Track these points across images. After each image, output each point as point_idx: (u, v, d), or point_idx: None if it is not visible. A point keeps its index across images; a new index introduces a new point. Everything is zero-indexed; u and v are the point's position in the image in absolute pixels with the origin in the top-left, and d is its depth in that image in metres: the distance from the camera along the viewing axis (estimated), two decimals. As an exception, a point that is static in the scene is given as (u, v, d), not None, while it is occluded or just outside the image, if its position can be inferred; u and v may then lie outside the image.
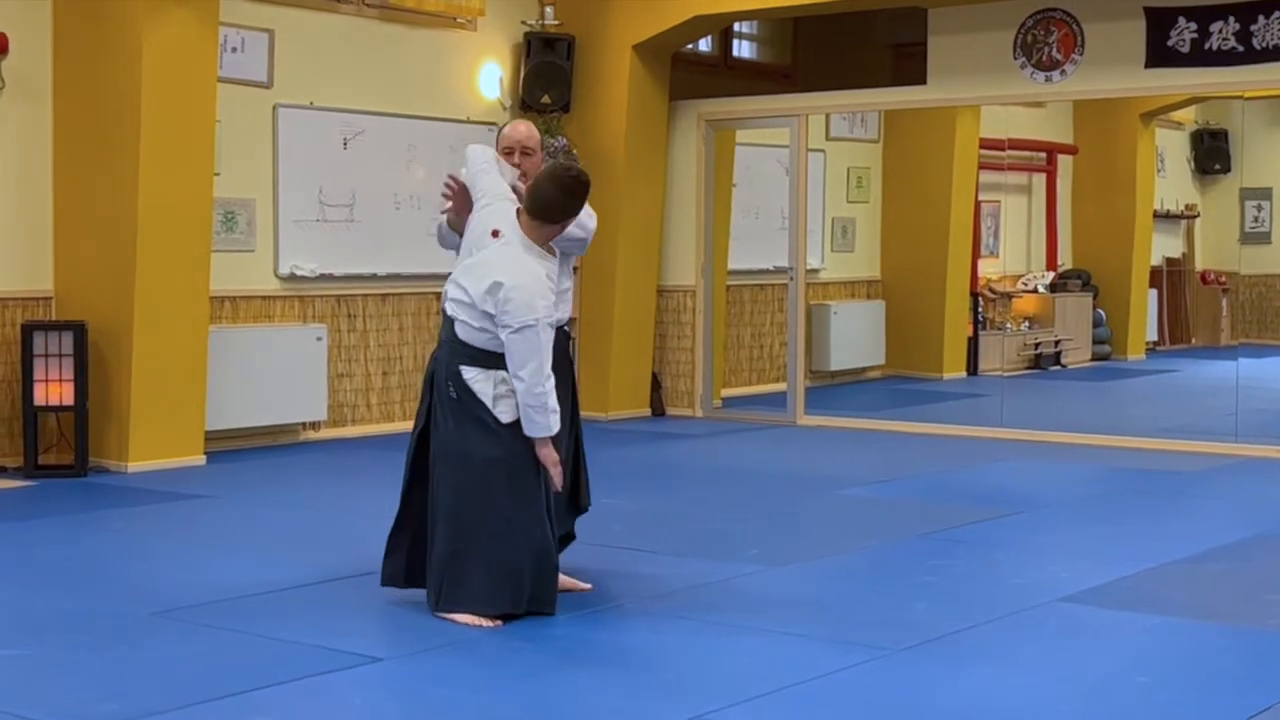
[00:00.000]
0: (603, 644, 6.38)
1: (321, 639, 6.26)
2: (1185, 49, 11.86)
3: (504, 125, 7.48)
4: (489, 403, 6.52)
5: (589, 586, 7.13)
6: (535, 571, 6.57)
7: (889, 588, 7.42)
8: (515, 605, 6.56)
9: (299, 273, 12.11)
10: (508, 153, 7.12)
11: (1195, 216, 19.81)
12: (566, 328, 7.09)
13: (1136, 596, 7.18)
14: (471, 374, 6.55)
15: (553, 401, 6.44)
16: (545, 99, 13.50)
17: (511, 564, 6.54)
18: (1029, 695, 5.59)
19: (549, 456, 6.50)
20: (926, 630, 6.48)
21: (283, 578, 7.38)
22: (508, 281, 6.41)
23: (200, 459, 10.96)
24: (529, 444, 6.52)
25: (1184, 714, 5.39)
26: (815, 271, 15.83)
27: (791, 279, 13.86)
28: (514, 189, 6.86)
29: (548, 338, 6.43)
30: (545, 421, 6.43)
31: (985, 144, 16.66)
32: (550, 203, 6.52)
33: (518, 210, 6.61)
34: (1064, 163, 18.61)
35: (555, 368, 6.74)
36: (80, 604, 6.93)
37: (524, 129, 7.22)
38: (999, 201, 17.92)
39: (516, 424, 6.49)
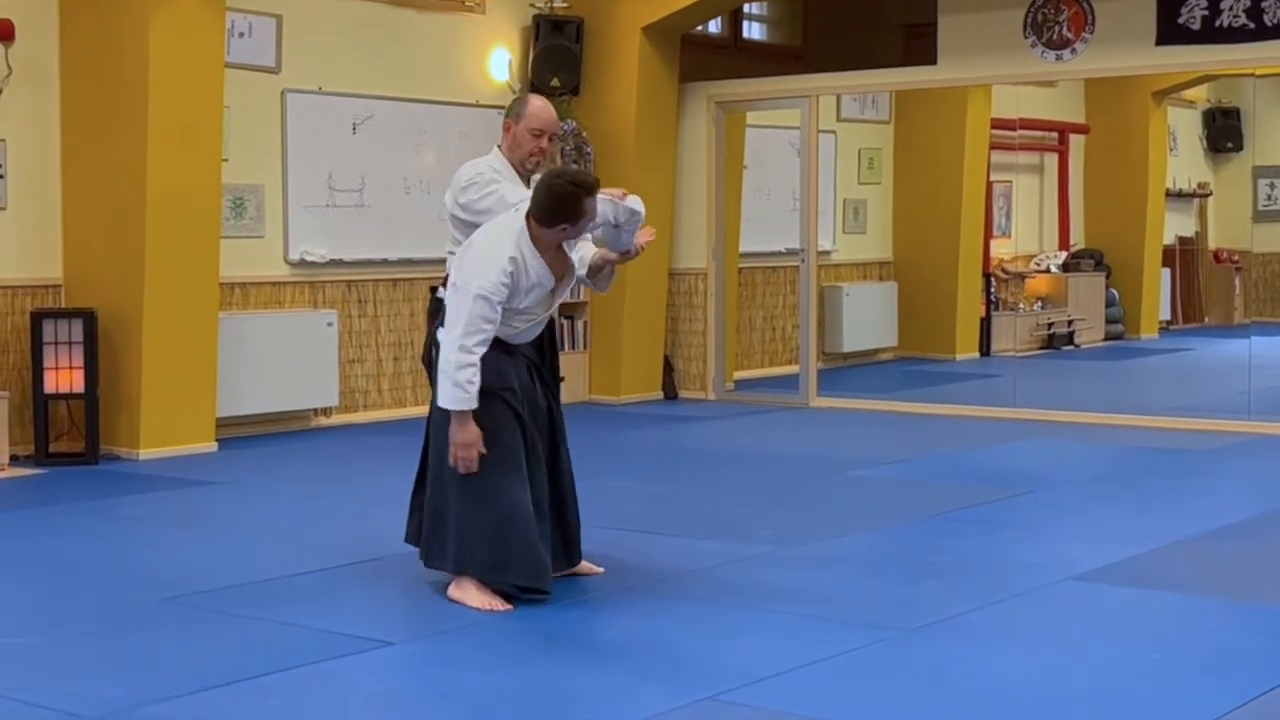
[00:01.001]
0: (615, 626, 6.37)
1: (333, 624, 6.25)
2: (1196, 26, 11.81)
3: (522, 100, 7.18)
4: None
5: (601, 570, 7.12)
6: (507, 538, 6.50)
7: (901, 568, 7.41)
8: (485, 570, 6.53)
9: (309, 258, 12.11)
10: (538, 135, 7.03)
11: (1208, 195, 19.81)
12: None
13: (1149, 574, 7.17)
14: (443, 336, 6.56)
15: (462, 376, 6.32)
16: (554, 82, 13.48)
17: (482, 528, 6.51)
18: (1041, 673, 5.58)
19: (453, 434, 6.43)
20: (939, 610, 6.47)
21: (294, 563, 7.37)
22: (477, 239, 6.52)
23: (211, 446, 10.97)
24: (506, 410, 6.54)
25: (1196, 691, 5.37)
26: (827, 253, 15.80)
27: (803, 261, 13.83)
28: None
29: (482, 311, 6.33)
30: (445, 390, 6.36)
31: (997, 124, 16.64)
32: (542, 208, 6.45)
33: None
34: (1076, 142, 18.61)
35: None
36: (91, 591, 6.93)
37: (550, 110, 7.14)
38: (1011, 181, 17.91)
39: (486, 391, 6.46)
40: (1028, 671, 5.61)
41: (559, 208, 6.43)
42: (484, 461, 6.49)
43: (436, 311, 6.77)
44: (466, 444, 6.43)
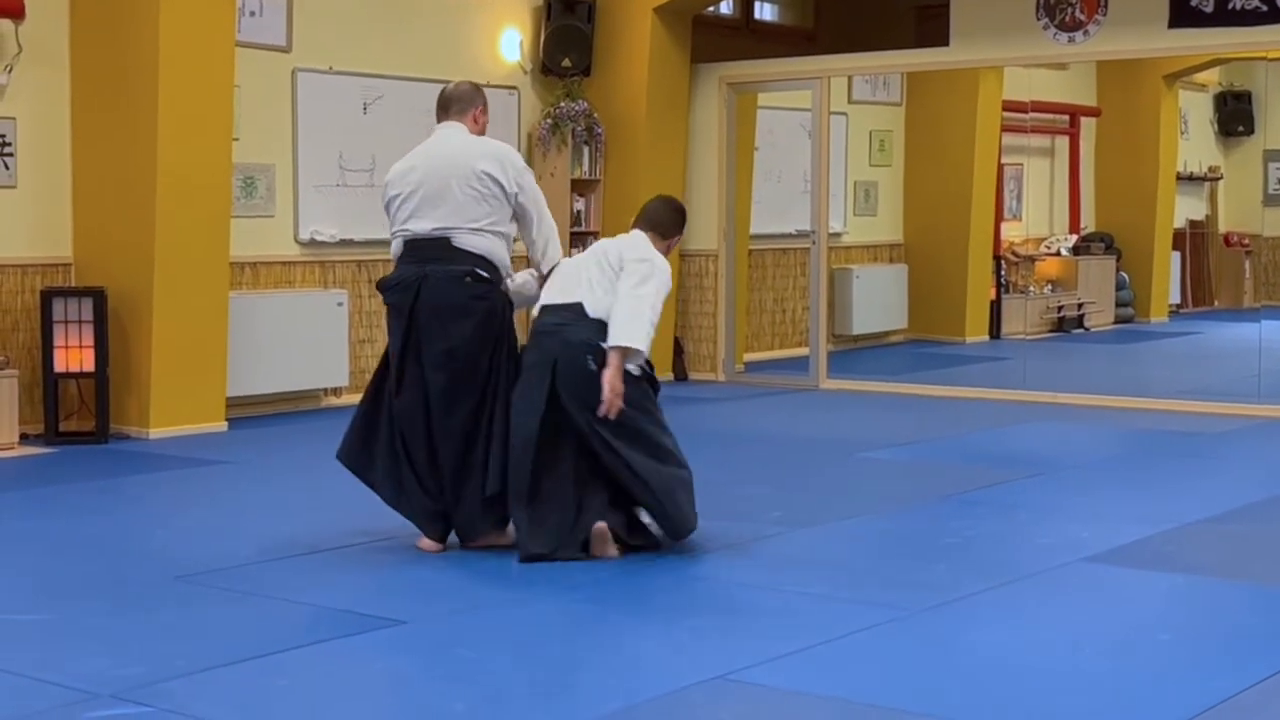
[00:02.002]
0: (625, 606, 6.38)
1: (344, 603, 6.26)
2: (1209, 9, 11.78)
3: (480, 91, 7.57)
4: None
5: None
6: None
7: (911, 549, 7.41)
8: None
9: (319, 238, 12.10)
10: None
11: (1218, 179, 19.77)
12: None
13: (1159, 556, 7.17)
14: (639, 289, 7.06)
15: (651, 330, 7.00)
16: (566, 62, 13.46)
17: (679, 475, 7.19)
18: (1051, 654, 5.57)
19: (618, 381, 6.91)
20: (949, 591, 6.47)
21: (305, 542, 7.38)
22: (635, 241, 7.29)
23: (222, 425, 10.97)
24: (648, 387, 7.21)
25: (1206, 672, 5.37)
26: (838, 235, 15.78)
27: (814, 243, 13.82)
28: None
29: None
30: (646, 332, 6.96)
31: (1008, 106, 16.61)
32: (672, 219, 7.47)
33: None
34: (1087, 125, 18.58)
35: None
36: (103, 569, 6.94)
37: None
38: (1022, 164, 17.87)
39: (642, 376, 7.12)
40: (1038, 652, 5.61)
41: (681, 219, 7.57)
42: (653, 423, 7.18)
43: (497, 308, 7.16)
44: (621, 393, 6.96)
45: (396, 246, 7.22)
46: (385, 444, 7.21)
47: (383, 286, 7.26)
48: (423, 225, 7.12)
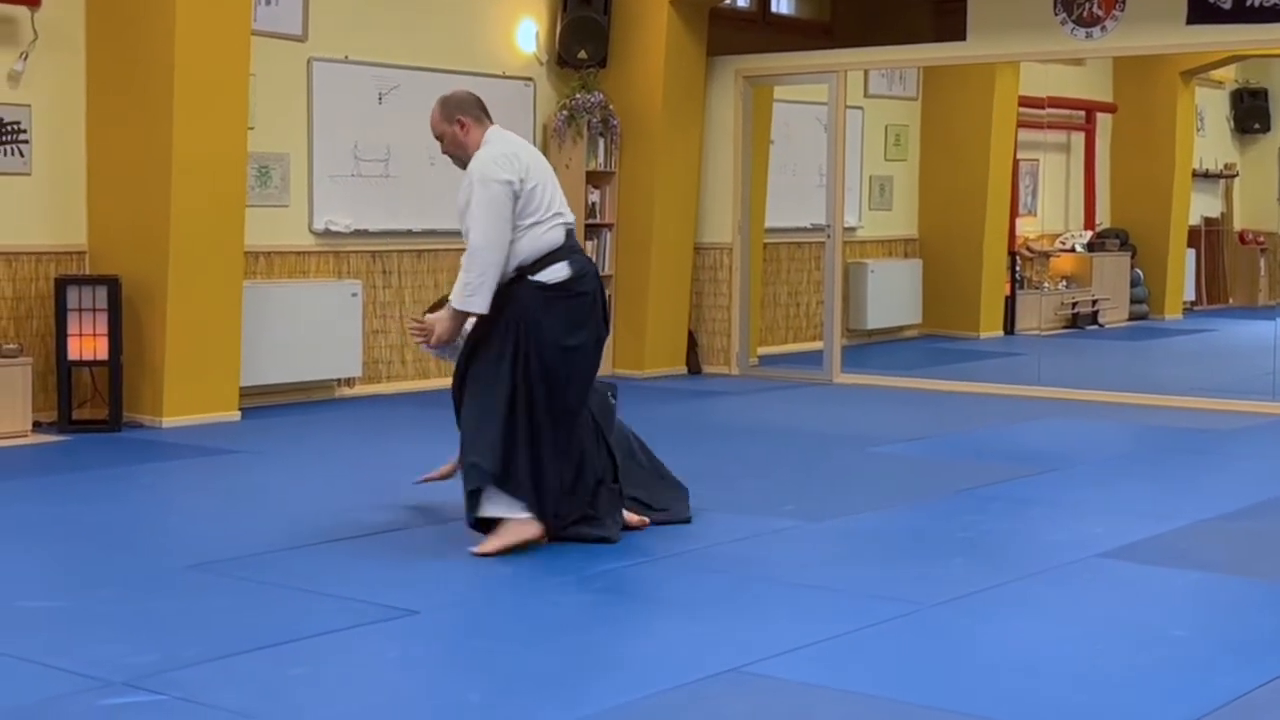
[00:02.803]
0: (639, 598, 6.39)
1: (358, 592, 6.26)
2: (1227, 5, 11.75)
3: None
4: None
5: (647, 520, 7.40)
6: None
7: (924, 544, 7.39)
8: None
9: (333, 228, 12.10)
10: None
11: (1234, 176, 19.75)
12: None
13: (1173, 552, 7.15)
14: None
15: None
16: (582, 54, 13.45)
17: None
18: (1064, 649, 5.56)
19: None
20: (962, 586, 6.46)
21: (318, 532, 7.38)
22: None
23: (235, 415, 10.97)
24: None
25: (1220, 668, 5.36)
26: (852, 230, 15.77)
27: (829, 237, 13.80)
28: None
29: None
30: None
31: (1024, 102, 16.61)
32: None
33: None
34: (1103, 121, 18.57)
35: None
36: (115, 557, 6.94)
37: (433, 114, 7.36)
38: (1037, 160, 17.86)
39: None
40: (1050, 647, 5.60)
41: None
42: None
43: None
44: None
45: (557, 235, 6.99)
46: (525, 448, 6.93)
47: (578, 277, 7.00)
48: (570, 216, 7.14)
